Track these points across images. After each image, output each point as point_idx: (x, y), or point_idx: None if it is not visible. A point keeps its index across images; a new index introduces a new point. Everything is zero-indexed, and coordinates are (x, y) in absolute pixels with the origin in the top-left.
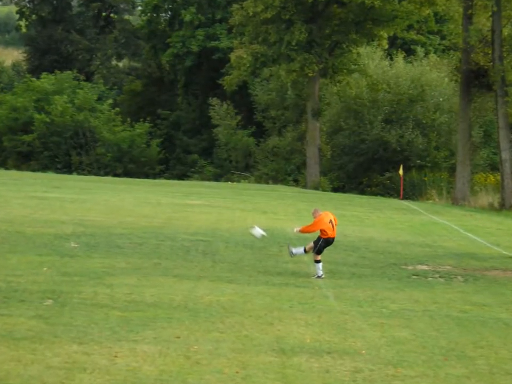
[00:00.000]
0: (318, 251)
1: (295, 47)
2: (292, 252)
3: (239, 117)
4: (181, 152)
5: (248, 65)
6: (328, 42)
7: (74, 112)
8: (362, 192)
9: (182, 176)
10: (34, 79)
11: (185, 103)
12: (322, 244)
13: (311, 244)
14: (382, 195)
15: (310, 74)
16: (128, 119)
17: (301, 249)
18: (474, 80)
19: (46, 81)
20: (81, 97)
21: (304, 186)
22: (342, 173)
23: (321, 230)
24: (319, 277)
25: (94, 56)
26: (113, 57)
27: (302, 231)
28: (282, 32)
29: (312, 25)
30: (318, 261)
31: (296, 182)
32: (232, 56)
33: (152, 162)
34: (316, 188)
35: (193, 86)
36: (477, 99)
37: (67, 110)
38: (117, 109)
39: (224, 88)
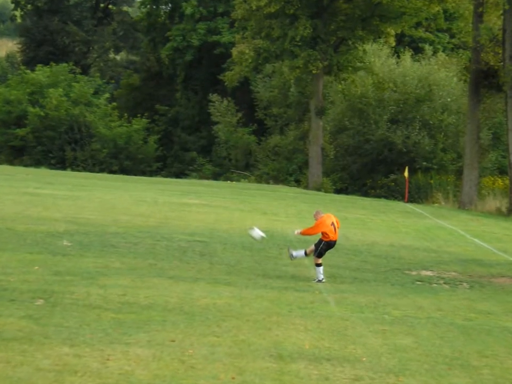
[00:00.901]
0: (319, 254)
1: (299, 43)
2: (292, 255)
3: (239, 114)
4: (179, 150)
5: (250, 60)
6: (333, 38)
7: (70, 106)
8: (366, 194)
9: (179, 174)
10: (28, 71)
11: (184, 99)
12: (324, 247)
13: (312, 247)
14: (386, 197)
15: (314, 71)
16: (125, 114)
17: (302, 252)
18: (484, 80)
19: (41, 73)
20: (77, 90)
21: (306, 187)
22: (346, 174)
23: (322, 233)
24: (319, 281)
25: (91, 48)
26: (111, 50)
27: (303, 233)
28: (286, 27)
29: (317, 20)
30: (318, 265)
31: (298, 183)
32: (234, 51)
33: (149, 159)
34: (318, 189)
35: (193, 81)
36: (486, 100)
37: (62, 103)
38: (114, 103)
39: (225, 84)
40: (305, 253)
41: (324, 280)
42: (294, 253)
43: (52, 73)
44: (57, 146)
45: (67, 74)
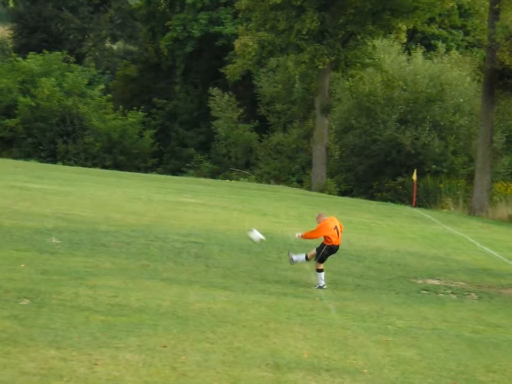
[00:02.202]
0: (321, 259)
1: (306, 37)
2: (292, 259)
3: (241, 110)
4: (176, 145)
5: (253, 53)
6: (342, 32)
7: (62, 96)
8: (371, 197)
9: (176, 172)
10: (20, 58)
11: (183, 92)
12: (326, 251)
13: (314, 251)
14: (393, 201)
15: (320, 67)
16: (121, 107)
17: (302, 256)
18: (499, 80)
19: (33, 61)
20: (71, 80)
21: (309, 188)
22: (351, 175)
23: (325, 237)
24: (320, 287)
25: (86, 36)
26: (107, 38)
27: (304, 237)
28: (292, 20)
29: (325, 13)
30: (320, 270)
31: (300, 183)
32: (237, 43)
33: (144, 154)
34: (322, 191)
35: (192, 74)
36: (501, 101)
37: (54, 94)
38: (109, 95)
39: (227, 77)
40: (306, 258)
41: (325, 287)
42: (294, 257)
43: (45, 62)
44: (48, 138)
45: (60, 63)
